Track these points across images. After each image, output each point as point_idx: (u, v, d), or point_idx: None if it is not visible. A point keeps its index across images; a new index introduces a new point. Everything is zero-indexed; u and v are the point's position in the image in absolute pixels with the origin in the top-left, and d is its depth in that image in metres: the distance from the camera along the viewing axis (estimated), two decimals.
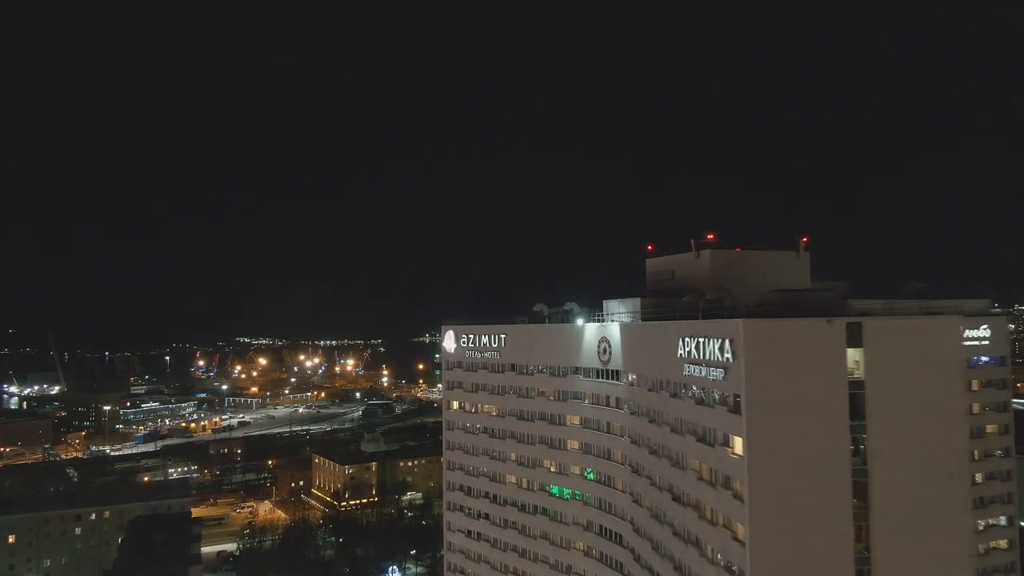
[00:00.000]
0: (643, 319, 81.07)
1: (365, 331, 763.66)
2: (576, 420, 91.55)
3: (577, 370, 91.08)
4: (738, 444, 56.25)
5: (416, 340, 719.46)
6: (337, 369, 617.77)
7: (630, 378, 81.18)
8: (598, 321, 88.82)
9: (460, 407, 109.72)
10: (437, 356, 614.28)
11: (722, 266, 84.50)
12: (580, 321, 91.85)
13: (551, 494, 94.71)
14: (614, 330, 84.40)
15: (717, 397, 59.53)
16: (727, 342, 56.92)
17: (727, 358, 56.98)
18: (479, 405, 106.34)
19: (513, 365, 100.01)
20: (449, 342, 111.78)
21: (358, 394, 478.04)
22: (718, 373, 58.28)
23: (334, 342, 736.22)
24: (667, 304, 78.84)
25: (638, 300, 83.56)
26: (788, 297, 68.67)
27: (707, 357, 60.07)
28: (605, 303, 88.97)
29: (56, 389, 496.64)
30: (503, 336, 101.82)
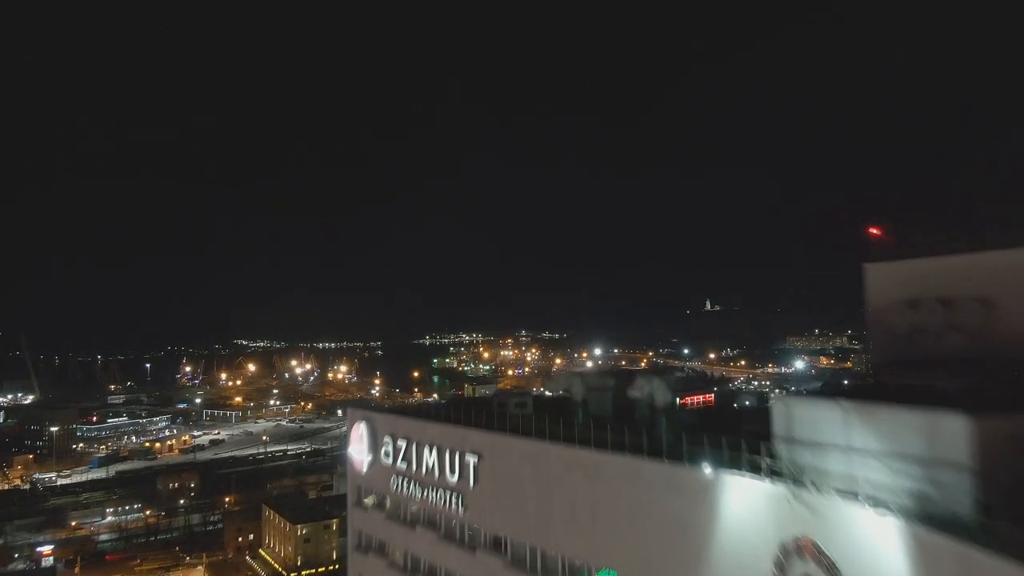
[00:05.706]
0: None
1: (367, 334, 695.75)
2: None
3: None
4: None
5: (416, 342, 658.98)
6: (330, 375, 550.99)
7: None
8: (772, 471, 24.38)
9: None
10: (435, 361, 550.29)
11: None
12: (707, 469, 27.20)
13: None
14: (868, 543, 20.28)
15: None
16: None
17: None
18: None
19: (498, 541, 35.75)
20: (359, 448, 47.59)
21: (340, 411, 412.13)
22: None
23: (333, 345, 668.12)
24: None
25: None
26: None
27: None
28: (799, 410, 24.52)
29: (31, 398, 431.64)
30: (471, 461, 37.34)
